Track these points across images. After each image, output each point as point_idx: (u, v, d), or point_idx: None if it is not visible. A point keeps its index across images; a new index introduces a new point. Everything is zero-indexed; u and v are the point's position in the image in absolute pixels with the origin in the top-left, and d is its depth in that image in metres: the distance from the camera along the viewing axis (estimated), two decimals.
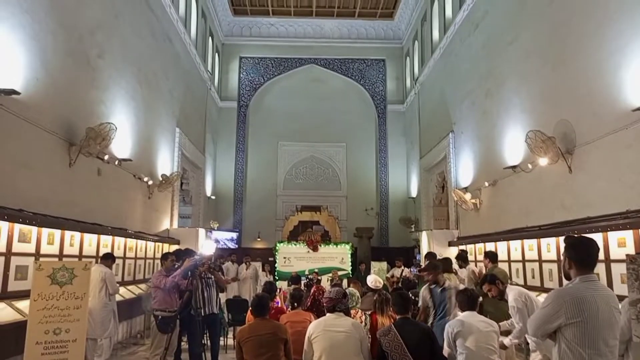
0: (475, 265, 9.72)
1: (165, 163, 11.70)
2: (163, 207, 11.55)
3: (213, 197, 17.19)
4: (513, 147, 9.11)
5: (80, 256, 7.03)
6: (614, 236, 6.06)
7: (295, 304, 4.75)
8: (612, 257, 6.12)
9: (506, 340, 4.34)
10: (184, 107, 13.31)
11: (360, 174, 19.27)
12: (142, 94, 10.04)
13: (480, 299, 5.58)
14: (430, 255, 7.36)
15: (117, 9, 8.67)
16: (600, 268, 6.37)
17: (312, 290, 5.21)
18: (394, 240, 18.44)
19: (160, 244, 10.94)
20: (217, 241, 14.90)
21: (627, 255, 3.48)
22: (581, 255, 2.59)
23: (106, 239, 8.07)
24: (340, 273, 13.67)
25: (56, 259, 6.23)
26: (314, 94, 19.37)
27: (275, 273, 14.16)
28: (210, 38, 16.93)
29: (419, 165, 16.50)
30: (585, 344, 2.44)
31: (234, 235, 16.88)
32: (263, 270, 12.27)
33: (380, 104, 19.43)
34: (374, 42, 19.59)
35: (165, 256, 5.94)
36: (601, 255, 6.31)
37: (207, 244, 6.78)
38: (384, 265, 14.75)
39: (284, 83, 19.36)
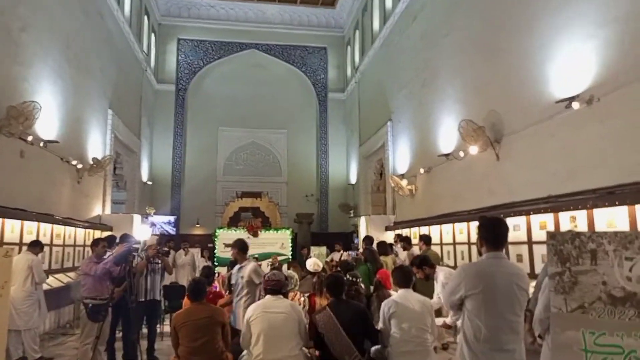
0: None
1: (97, 146, 11.14)
2: (94, 192, 11.02)
3: (149, 183, 16.61)
4: (447, 136, 9.49)
5: (1, 243, 6.58)
6: (536, 219, 6.52)
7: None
8: (534, 239, 6.59)
9: (448, 320, 4.52)
10: (117, 88, 12.69)
11: (300, 161, 19.33)
12: (71, 73, 9.46)
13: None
14: (367, 239, 7.56)
15: None
16: (522, 249, 6.86)
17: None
18: (333, 226, 18.71)
19: (91, 230, 10.46)
20: (153, 225, 14.45)
21: (547, 232, 3.75)
22: (490, 234, 2.75)
23: (30, 226, 7.61)
24: (280, 258, 13.63)
25: None
26: (255, 79, 19.10)
27: (215, 259, 13.95)
28: (146, 17, 16.19)
29: (359, 153, 16.80)
30: (481, 315, 2.57)
31: (172, 218, 16.43)
32: (202, 256, 12.08)
33: (321, 92, 19.51)
34: (315, 30, 19.57)
35: (96, 242, 5.69)
36: (524, 237, 6.81)
37: (142, 230, 6.55)
38: (323, 249, 14.93)
39: (225, 67, 18.94)
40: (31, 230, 7.61)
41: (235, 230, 15.28)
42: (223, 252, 14.34)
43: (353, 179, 18.06)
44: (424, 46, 10.84)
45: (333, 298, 3.84)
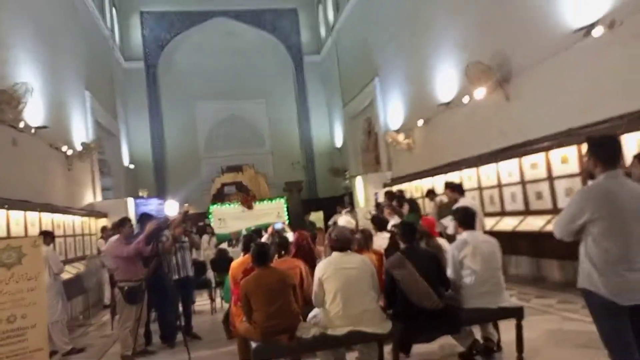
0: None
1: (80, 131, 10.55)
2: (84, 179, 10.50)
3: (132, 166, 16.00)
4: (446, 83, 9.38)
5: (8, 237, 6.16)
6: (557, 155, 6.53)
7: (283, 252, 4.56)
8: (555, 174, 6.62)
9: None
10: (89, 68, 11.95)
11: (283, 129, 18.99)
12: (46, 54, 8.80)
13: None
14: (389, 194, 7.49)
15: None
16: (542, 186, 6.90)
17: (295, 237, 5.04)
18: (322, 191, 18.64)
19: (86, 218, 10.01)
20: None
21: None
22: (606, 153, 2.61)
23: (33, 217, 7.17)
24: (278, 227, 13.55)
25: None
26: (227, 49, 18.41)
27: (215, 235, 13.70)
28: None
29: (343, 114, 16.58)
30: (612, 238, 2.47)
31: (161, 201, 15.96)
32: (206, 232, 11.80)
33: (296, 56, 19.03)
34: None
35: (122, 222, 5.38)
36: (544, 174, 6.82)
37: (171, 205, 6.24)
38: (320, 214, 14.91)
39: (194, 39, 18.14)
40: (34, 222, 7.18)
41: (229, 205, 15.02)
42: (220, 228, 14.10)
43: (339, 142, 17.89)
44: None
45: (406, 244, 3.73)
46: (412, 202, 6.38)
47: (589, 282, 2.52)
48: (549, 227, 6.47)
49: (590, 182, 2.74)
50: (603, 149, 2.62)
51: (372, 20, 13.11)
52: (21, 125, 6.72)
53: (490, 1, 7.79)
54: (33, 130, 7.38)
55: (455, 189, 6.29)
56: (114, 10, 16.33)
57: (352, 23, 14.88)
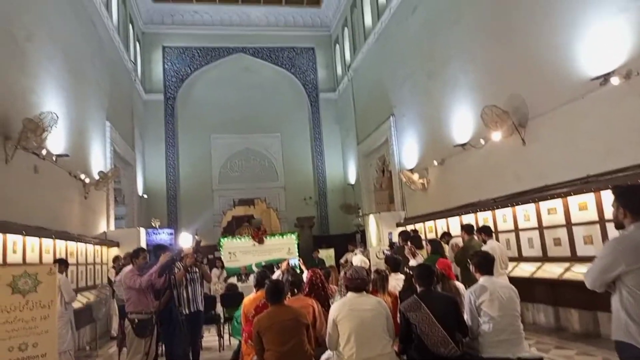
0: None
1: (98, 160, 10.72)
2: (99, 207, 10.59)
3: (145, 196, 16.13)
4: (462, 125, 9.43)
5: (24, 263, 6.19)
6: (574, 201, 6.46)
7: (295, 290, 4.50)
8: (573, 221, 6.53)
9: None
10: (112, 99, 12.26)
11: (296, 164, 19.08)
12: (71, 83, 9.07)
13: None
14: (404, 234, 7.41)
15: None
16: (560, 232, 6.80)
17: (308, 276, 4.98)
18: (334, 228, 18.52)
19: (99, 247, 10.04)
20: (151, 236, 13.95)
21: None
22: (635, 203, 2.60)
23: (47, 244, 7.21)
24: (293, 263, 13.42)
25: None
26: (244, 84, 18.80)
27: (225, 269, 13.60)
28: (130, 26, 15.76)
29: (357, 151, 16.66)
30: None
31: (171, 231, 15.99)
32: (216, 266, 11.73)
33: (312, 92, 19.34)
34: (302, 30, 19.40)
35: (136, 253, 5.37)
36: (562, 220, 6.74)
37: (185, 237, 6.24)
38: (331, 252, 14.78)
39: (213, 73, 18.59)
40: (48, 248, 7.21)
41: (240, 239, 14.97)
42: (230, 262, 14.03)
43: (352, 179, 17.92)
44: (428, 37, 10.77)
45: (423, 288, 3.66)
46: (435, 243, 6.28)
47: (625, 335, 2.45)
48: (568, 275, 6.35)
49: (620, 232, 2.71)
50: (631, 199, 2.61)
51: (388, 61, 13.35)
52: (43, 152, 6.85)
53: (506, 46, 7.91)
54: (54, 158, 7.52)
55: (483, 231, 6.21)
56: (137, 44, 16.87)
57: (368, 62, 15.16)
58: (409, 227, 11.45)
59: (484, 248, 5.87)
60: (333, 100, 19.31)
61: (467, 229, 6.52)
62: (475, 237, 6.38)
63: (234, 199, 18.62)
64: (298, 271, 7.35)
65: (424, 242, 7.77)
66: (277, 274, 6.87)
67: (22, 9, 6.82)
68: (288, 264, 11.39)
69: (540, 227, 7.20)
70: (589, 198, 6.21)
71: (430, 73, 10.74)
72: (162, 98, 17.87)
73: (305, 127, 19.33)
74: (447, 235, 8.03)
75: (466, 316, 3.82)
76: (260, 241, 14.51)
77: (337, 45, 18.85)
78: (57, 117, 6.34)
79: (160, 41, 18.26)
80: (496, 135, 7.86)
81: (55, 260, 6.18)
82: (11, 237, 5.90)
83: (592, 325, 6.17)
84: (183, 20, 18.43)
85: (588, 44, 6.18)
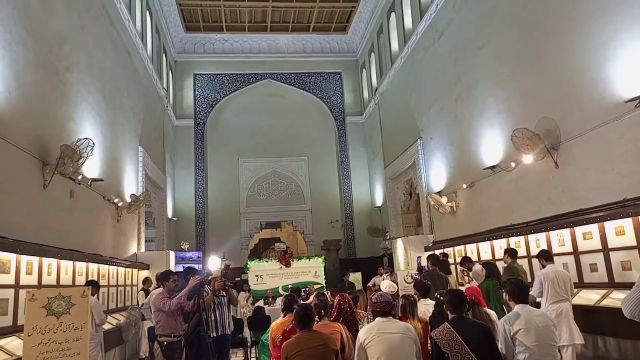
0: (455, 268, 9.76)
1: (131, 184, 11.01)
2: (131, 230, 10.83)
3: (174, 219, 16.41)
4: (491, 148, 9.31)
5: (58, 285, 6.35)
6: (611, 225, 6.25)
7: (322, 312, 4.46)
8: (610, 246, 6.31)
9: None
10: (145, 125, 12.66)
11: (323, 187, 19.13)
12: (107, 111, 9.42)
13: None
14: (433, 257, 7.28)
15: (82, 21, 8.12)
16: (596, 257, 6.58)
17: (336, 300, 4.94)
18: (361, 251, 18.38)
19: (129, 269, 10.22)
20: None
21: None
22: None
23: (80, 266, 7.39)
24: (315, 287, 13.34)
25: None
26: (272, 109, 19.13)
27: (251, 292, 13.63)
28: (164, 55, 16.34)
29: (384, 175, 16.60)
30: None
31: (199, 254, 16.17)
32: (243, 289, 11.75)
33: (339, 117, 19.51)
34: (329, 56, 19.71)
35: (166, 275, 5.45)
36: (597, 245, 6.52)
37: (214, 261, 6.30)
38: (358, 275, 14.64)
39: (241, 99, 19.00)
40: (81, 271, 7.39)
41: (267, 262, 15.01)
42: (257, 284, 14.05)
43: (379, 202, 17.82)
44: (455, 61, 10.77)
45: (454, 315, 3.58)
46: (491, 266, 6.08)
47: None
48: (605, 302, 6.10)
49: None
50: None
51: (415, 84, 13.38)
52: (79, 177, 7.08)
53: (535, 69, 7.83)
54: (89, 183, 7.77)
55: (542, 256, 6.02)
56: (170, 72, 17.44)
57: (395, 86, 15.23)
58: (438, 251, 11.26)
59: (539, 273, 5.69)
60: (360, 124, 19.41)
61: (510, 252, 6.33)
62: (518, 262, 6.18)
63: (260, 221, 18.75)
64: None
65: (477, 265, 7.60)
66: (311, 299, 6.80)
67: (63, 40, 7.18)
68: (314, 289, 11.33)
69: (576, 252, 6.97)
70: (626, 222, 6.00)
71: (458, 96, 10.69)
72: (193, 123, 18.33)
73: (332, 151, 19.43)
74: (468, 261, 7.75)
75: (500, 345, 3.70)
76: (287, 264, 14.50)
77: (364, 70, 19.03)
78: (94, 143, 6.56)
79: (192, 69, 18.84)
80: (527, 158, 7.72)
81: (87, 282, 6.31)
82: (46, 260, 6.07)
83: (633, 355, 5.88)
84: (214, 48, 18.99)
85: (621, 65, 6.06)
